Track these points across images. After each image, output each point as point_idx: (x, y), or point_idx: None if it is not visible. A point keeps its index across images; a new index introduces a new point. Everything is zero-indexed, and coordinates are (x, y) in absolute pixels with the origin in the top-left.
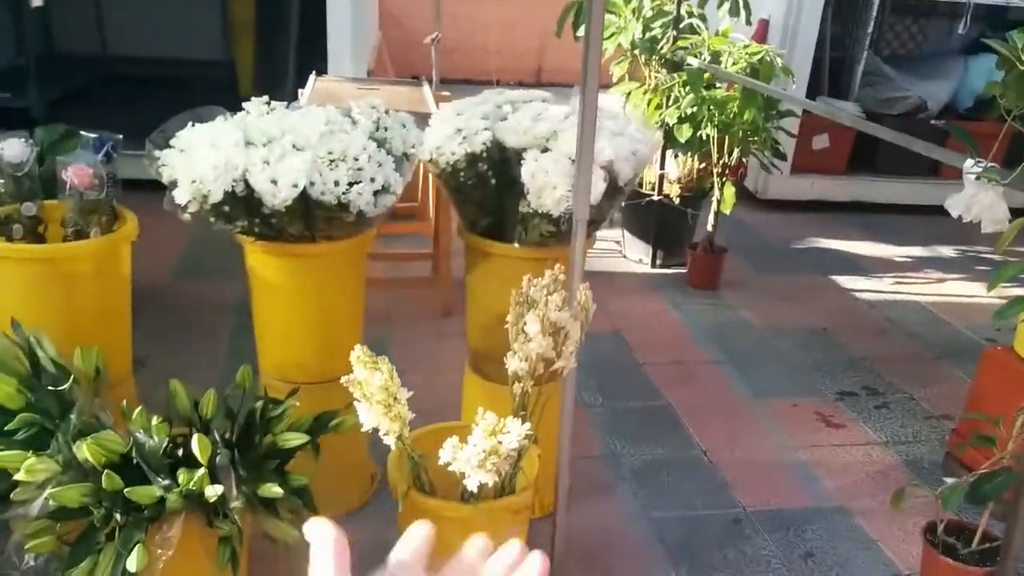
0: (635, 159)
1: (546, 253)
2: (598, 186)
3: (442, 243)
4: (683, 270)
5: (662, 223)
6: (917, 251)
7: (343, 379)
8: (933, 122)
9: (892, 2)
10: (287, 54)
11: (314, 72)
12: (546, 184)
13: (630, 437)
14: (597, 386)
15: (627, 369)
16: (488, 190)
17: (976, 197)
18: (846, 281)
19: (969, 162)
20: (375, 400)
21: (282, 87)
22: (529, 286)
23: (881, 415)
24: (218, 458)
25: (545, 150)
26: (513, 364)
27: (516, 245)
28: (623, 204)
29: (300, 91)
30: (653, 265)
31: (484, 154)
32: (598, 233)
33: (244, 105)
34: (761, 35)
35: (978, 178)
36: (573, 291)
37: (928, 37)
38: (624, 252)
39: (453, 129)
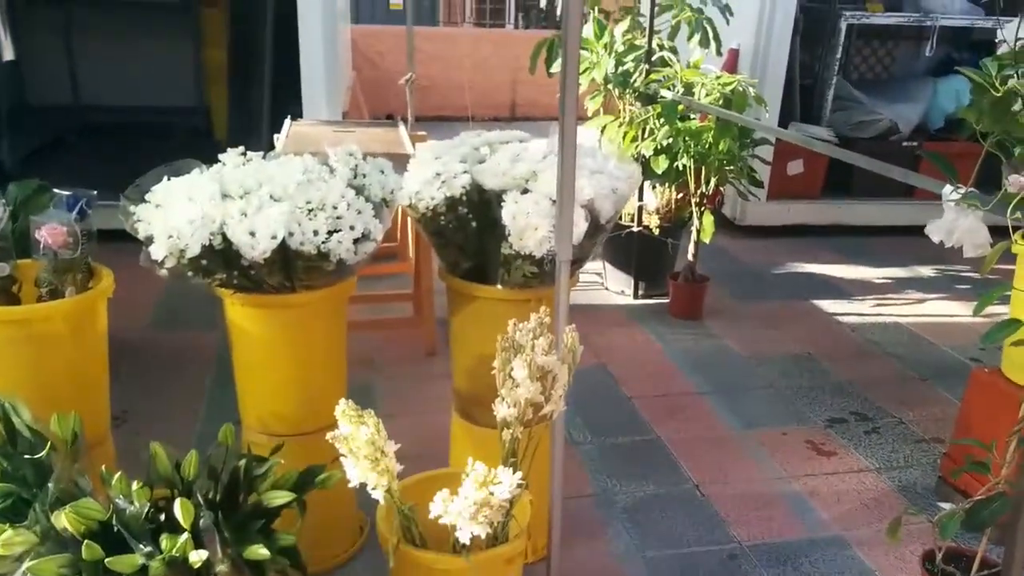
0: (615, 196)
1: (530, 294)
2: (580, 225)
3: (423, 282)
4: (665, 300)
5: (643, 254)
6: (896, 272)
7: (328, 435)
8: (905, 144)
9: (859, 27)
10: (261, 99)
11: (289, 116)
12: (528, 225)
13: (621, 474)
14: (585, 423)
15: (615, 404)
16: (469, 233)
17: (956, 223)
18: (827, 305)
19: (947, 188)
20: (361, 455)
21: (257, 132)
22: (515, 330)
23: (872, 440)
24: (201, 521)
25: (525, 191)
26: (502, 411)
27: (499, 287)
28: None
29: (275, 136)
30: (635, 296)
31: (464, 197)
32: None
33: (220, 157)
34: (732, 64)
35: (957, 204)
36: (559, 333)
37: (896, 60)
38: (606, 284)
39: (432, 173)
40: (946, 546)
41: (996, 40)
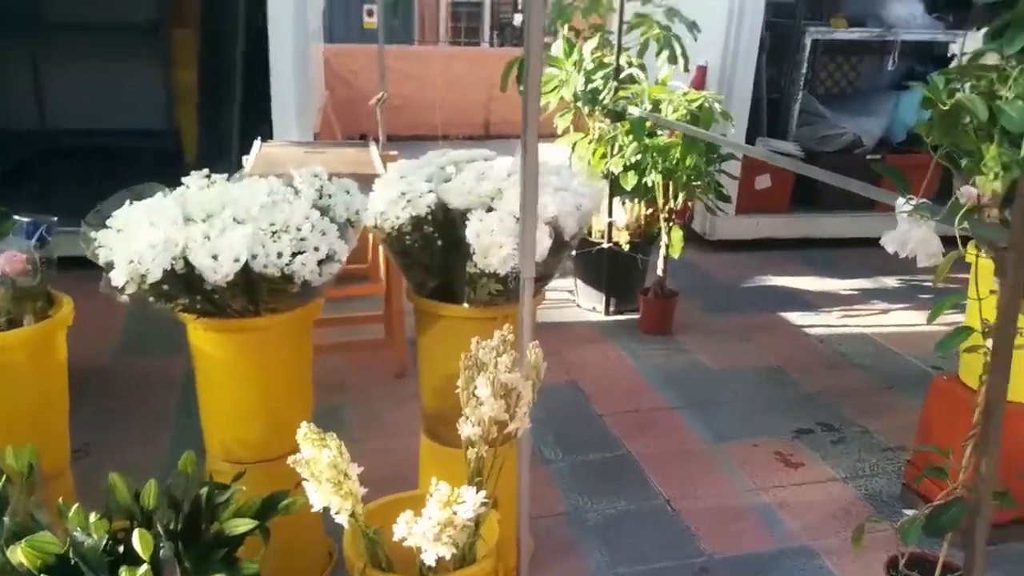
0: (579, 213)
1: (496, 312)
2: (544, 242)
3: (394, 303)
4: (636, 316)
5: (613, 270)
6: (862, 283)
7: (289, 459)
8: (869, 157)
9: (824, 43)
10: (231, 120)
11: (259, 138)
12: (492, 243)
13: (592, 491)
14: (556, 440)
15: (585, 420)
16: (435, 252)
17: (909, 234)
18: (796, 317)
19: (900, 200)
20: (324, 478)
21: (227, 154)
22: (478, 348)
23: (839, 450)
24: (161, 552)
25: (490, 209)
26: (466, 429)
27: (465, 305)
28: (574, 253)
29: (244, 157)
30: (607, 313)
31: (429, 217)
32: (552, 283)
33: (184, 180)
34: (700, 81)
35: (910, 215)
36: (523, 350)
37: (860, 75)
38: (577, 301)
39: (397, 193)
40: (909, 552)
41: (948, 55)
